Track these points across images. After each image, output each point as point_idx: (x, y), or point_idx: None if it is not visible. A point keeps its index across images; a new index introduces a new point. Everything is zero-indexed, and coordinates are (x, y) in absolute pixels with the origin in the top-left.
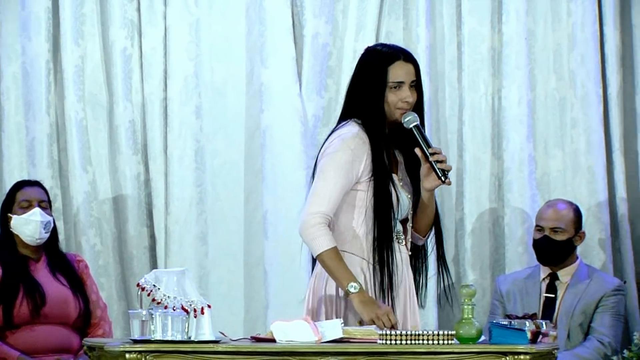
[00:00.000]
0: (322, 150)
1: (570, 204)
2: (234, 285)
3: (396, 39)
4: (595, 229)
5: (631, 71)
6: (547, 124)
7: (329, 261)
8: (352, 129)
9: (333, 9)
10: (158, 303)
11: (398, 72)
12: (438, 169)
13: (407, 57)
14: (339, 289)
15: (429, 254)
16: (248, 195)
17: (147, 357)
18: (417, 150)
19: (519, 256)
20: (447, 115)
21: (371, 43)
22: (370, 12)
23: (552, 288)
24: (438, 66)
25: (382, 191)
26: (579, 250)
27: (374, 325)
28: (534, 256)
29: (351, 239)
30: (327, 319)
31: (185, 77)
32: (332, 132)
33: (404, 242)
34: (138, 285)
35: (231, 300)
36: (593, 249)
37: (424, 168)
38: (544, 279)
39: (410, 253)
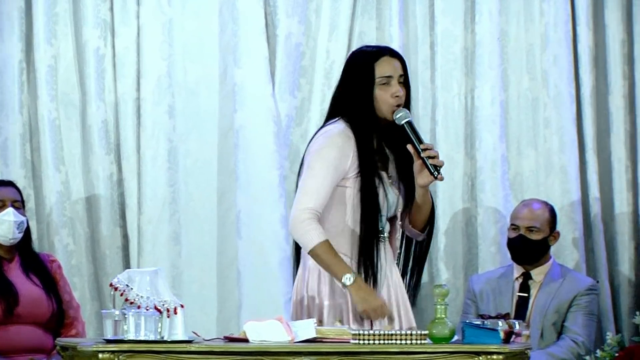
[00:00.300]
0: (308, 148)
1: (546, 203)
2: (207, 285)
3: (369, 39)
4: (568, 228)
5: (604, 71)
6: (520, 124)
7: (322, 255)
8: (338, 126)
9: (306, 8)
10: (131, 303)
11: (385, 67)
12: (430, 164)
13: (393, 53)
14: (319, 285)
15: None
16: (221, 195)
17: (120, 357)
18: (410, 147)
19: (492, 256)
20: (420, 115)
21: (344, 43)
22: (343, 12)
23: (525, 287)
24: (411, 66)
25: (368, 189)
26: (552, 249)
27: (347, 325)
28: (507, 256)
29: (336, 236)
30: (309, 316)
31: (158, 77)
32: (318, 130)
33: (388, 240)
34: (111, 285)
35: (204, 300)
36: (566, 249)
37: (417, 164)
38: (517, 278)
39: (399, 251)
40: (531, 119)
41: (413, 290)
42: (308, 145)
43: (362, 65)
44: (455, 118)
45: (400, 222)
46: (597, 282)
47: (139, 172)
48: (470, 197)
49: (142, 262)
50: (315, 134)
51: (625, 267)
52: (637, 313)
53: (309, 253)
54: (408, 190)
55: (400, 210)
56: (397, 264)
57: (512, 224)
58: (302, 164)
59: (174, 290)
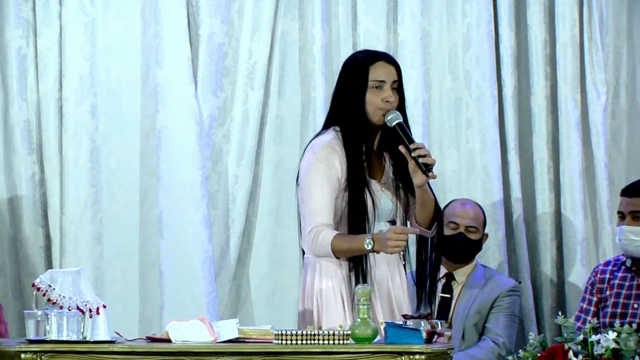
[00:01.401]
0: (300, 164)
1: (478, 204)
2: (129, 285)
3: (292, 39)
4: (490, 228)
5: (526, 71)
6: (442, 124)
7: (339, 247)
8: (325, 138)
9: (228, 9)
10: (53, 303)
11: (380, 71)
12: (421, 163)
13: (389, 59)
14: (315, 296)
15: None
16: (143, 195)
17: (43, 357)
18: (402, 148)
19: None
20: None
21: (267, 43)
22: (266, 12)
23: (448, 288)
24: (334, 66)
25: (355, 200)
26: None
27: (270, 325)
28: None
29: None
30: (305, 323)
31: (81, 77)
32: (310, 142)
33: None
34: (33, 285)
35: (126, 300)
36: (489, 249)
37: (410, 165)
38: (440, 279)
39: (404, 253)
40: (453, 119)
41: (429, 287)
42: (301, 159)
43: (357, 69)
44: None
45: (403, 224)
46: (520, 282)
47: (61, 172)
48: None
49: (64, 262)
50: (307, 146)
51: (547, 267)
52: (560, 313)
53: (335, 257)
54: (408, 191)
55: (399, 214)
56: (405, 264)
57: (450, 222)
58: (298, 177)
59: (96, 291)
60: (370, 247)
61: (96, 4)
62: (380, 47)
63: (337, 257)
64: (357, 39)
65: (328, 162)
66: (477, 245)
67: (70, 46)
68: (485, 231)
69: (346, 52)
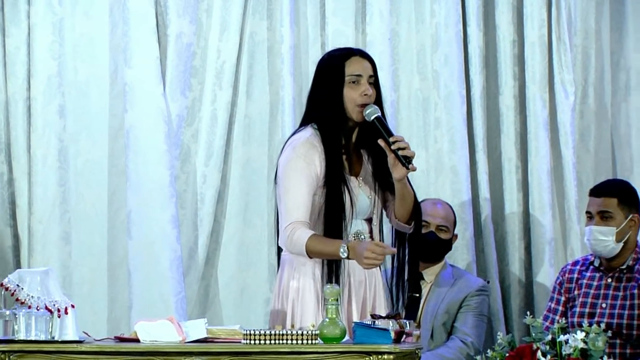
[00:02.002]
0: (278, 160)
1: (449, 204)
2: (98, 285)
3: (260, 39)
4: (459, 228)
5: (494, 71)
6: (411, 124)
7: (314, 248)
8: (304, 134)
9: (197, 8)
10: (22, 303)
11: (355, 66)
12: (401, 156)
13: (363, 54)
14: (289, 295)
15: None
16: (112, 195)
17: (11, 357)
18: (381, 142)
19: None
20: None
21: (235, 43)
22: (235, 12)
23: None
24: (302, 66)
25: (333, 198)
26: None
27: (239, 325)
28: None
29: None
30: (278, 320)
31: (49, 77)
32: (288, 139)
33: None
34: (2, 284)
35: (95, 300)
36: (457, 249)
37: (390, 158)
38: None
39: None
40: (422, 119)
41: (408, 285)
42: (279, 155)
43: (332, 66)
44: None
45: (376, 224)
46: (488, 282)
47: (30, 172)
48: None
49: (32, 262)
50: (285, 142)
51: (516, 267)
52: (528, 313)
53: (309, 257)
54: (386, 187)
55: (377, 211)
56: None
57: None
58: (276, 173)
59: (64, 290)
60: (345, 255)
61: (64, 3)
62: None
63: (310, 257)
64: (326, 39)
65: (307, 159)
66: (447, 245)
67: (38, 46)
68: (455, 231)
69: (315, 52)
